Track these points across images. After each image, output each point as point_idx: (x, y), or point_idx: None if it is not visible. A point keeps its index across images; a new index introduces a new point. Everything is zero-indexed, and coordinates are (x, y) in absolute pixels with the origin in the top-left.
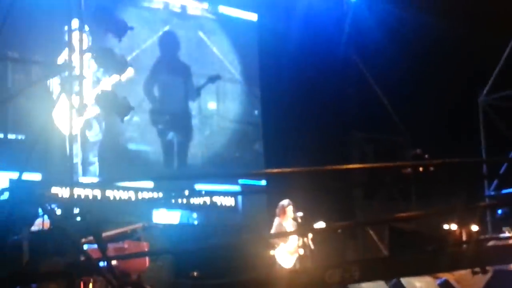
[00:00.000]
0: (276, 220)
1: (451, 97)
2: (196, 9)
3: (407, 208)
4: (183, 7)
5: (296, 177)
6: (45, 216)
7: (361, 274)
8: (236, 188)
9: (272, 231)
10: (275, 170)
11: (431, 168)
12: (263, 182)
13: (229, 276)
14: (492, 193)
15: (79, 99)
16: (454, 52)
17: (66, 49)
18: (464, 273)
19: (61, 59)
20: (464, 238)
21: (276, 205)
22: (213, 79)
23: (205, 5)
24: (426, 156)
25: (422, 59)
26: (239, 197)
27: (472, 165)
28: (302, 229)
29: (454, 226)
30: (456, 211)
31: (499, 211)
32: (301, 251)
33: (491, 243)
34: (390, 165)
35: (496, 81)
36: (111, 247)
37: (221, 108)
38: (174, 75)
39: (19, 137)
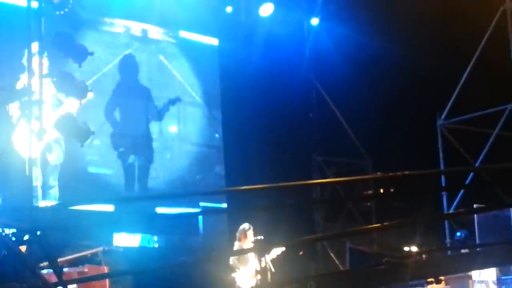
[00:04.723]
0: (236, 244)
1: (411, 121)
2: (157, 33)
3: (368, 230)
4: (144, 31)
5: (257, 199)
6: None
7: None
8: (197, 210)
9: (232, 255)
10: (237, 188)
11: (391, 190)
12: (224, 205)
13: None
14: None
15: (39, 124)
16: (413, 77)
17: (26, 74)
18: None
19: (21, 83)
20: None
21: (237, 228)
22: (173, 101)
23: (166, 30)
24: (390, 185)
25: (381, 84)
26: (200, 221)
27: (431, 187)
28: (262, 246)
29: (414, 248)
30: (415, 224)
31: (458, 233)
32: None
33: None
34: (353, 179)
35: (454, 106)
36: (71, 271)
37: (182, 131)
38: (135, 98)
39: None
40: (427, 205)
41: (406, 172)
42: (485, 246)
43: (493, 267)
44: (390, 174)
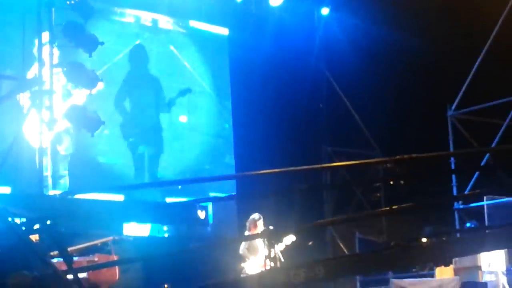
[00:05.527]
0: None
1: (421, 111)
2: (167, 23)
3: (377, 221)
4: (154, 21)
5: (266, 189)
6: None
7: (325, 273)
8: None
9: (243, 245)
10: (246, 173)
11: (402, 182)
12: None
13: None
14: (461, 206)
15: (49, 114)
16: (424, 68)
17: (36, 64)
18: None
19: (31, 73)
20: None
21: (247, 218)
22: (184, 92)
23: (176, 20)
24: (397, 169)
25: (392, 74)
26: (210, 210)
27: (440, 171)
28: (272, 234)
29: (424, 239)
30: (426, 208)
31: (468, 224)
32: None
33: None
34: (359, 163)
35: (465, 96)
36: (81, 260)
37: (192, 121)
38: (145, 89)
39: None
40: (437, 195)
41: (414, 155)
42: (495, 229)
43: (502, 249)
44: (397, 157)
